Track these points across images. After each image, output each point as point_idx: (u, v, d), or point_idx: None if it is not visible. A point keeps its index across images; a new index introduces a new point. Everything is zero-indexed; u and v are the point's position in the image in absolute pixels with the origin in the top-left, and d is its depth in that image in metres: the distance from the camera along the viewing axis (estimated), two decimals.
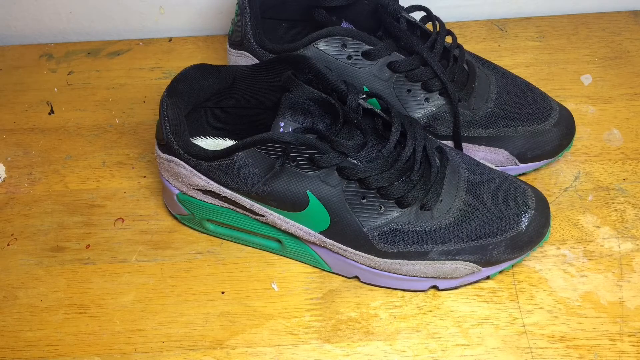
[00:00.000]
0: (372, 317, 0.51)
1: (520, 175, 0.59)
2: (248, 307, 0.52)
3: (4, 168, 0.62)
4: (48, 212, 0.59)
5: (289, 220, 0.51)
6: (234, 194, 0.50)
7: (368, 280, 0.52)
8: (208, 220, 0.54)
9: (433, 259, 0.49)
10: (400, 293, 0.52)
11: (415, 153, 0.49)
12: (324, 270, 0.53)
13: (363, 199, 0.48)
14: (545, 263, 0.53)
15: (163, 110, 0.49)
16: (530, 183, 0.58)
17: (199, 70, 0.51)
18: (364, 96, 0.50)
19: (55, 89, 0.69)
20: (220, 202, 0.52)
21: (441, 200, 0.49)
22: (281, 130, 0.48)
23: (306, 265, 0.54)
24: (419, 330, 0.50)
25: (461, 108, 0.56)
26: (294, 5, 0.61)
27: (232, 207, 0.52)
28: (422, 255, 0.49)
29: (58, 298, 0.53)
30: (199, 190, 0.52)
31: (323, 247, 0.51)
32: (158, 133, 0.51)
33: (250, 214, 0.52)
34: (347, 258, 0.51)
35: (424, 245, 0.49)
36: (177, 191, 0.54)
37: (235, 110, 0.55)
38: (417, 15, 0.58)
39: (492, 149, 0.57)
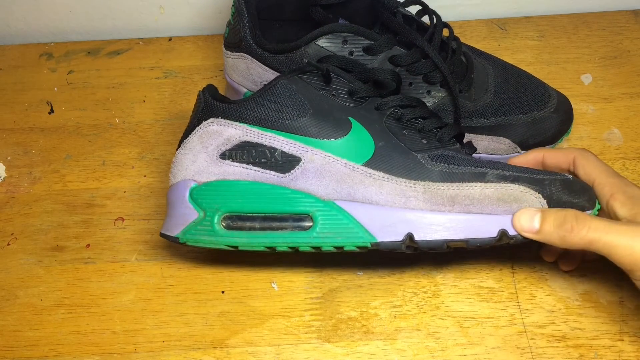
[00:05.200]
0: (372, 317, 0.51)
1: None
2: (248, 307, 0.52)
3: (4, 167, 0.62)
4: (48, 211, 0.59)
5: (329, 154, 0.47)
6: (272, 133, 0.48)
7: (424, 234, 0.45)
8: (223, 219, 0.48)
9: (492, 182, 0.45)
10: (400, 292, 0.52)
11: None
12: (365, 247, 0.46)
13: (405, 133, 0.48)
14: (545, 262, 0.53)
15: (202, 93, 0.50)
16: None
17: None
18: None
19: (55, 89, 0.69)
20: (248, 168, 0.48)
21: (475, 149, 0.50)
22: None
23: (306, 265, 0.54)
24: (419, 330, 0.50)
25: (462, 99, 0.56)
26: (289, 5, 0.61)
27: (261, 172, 0.48)
28: (479, 177, 0.46)
29: (58, 297, 0.53)
30: (226, 155, 0.48)
31: (364, 203, 0.46)
32: (187, 129, 0.50)
33: (282, 174, 0.47)
34: (396, 206, 0.46)
35: (478, 168, 0.46)
36: (191, 184, 0.49)
37: None
38: (413, 10, 0.58)
39: (494, 137, 0.57)
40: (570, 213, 0.44)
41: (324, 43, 0.55)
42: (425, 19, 0.58)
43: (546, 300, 0.51)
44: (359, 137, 0.47)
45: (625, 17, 0.72)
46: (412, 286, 0.52)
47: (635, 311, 0.50)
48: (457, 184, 0.45)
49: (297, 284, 0.53)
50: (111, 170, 0.61)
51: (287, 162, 0.48)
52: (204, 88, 0.51)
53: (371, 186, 0.46)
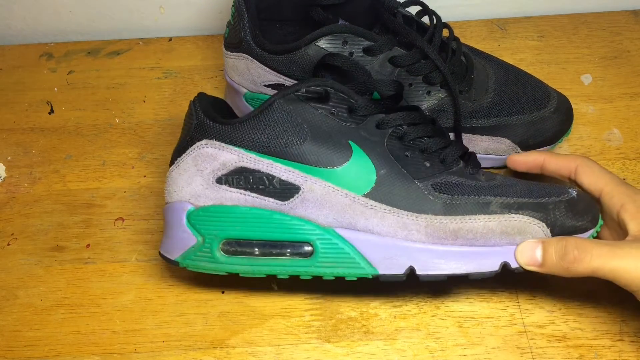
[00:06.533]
0: (372, 317, 0.51)
1: None
2: (248, 307, 0.52)
3: (4, 168, 0.62)
4: (48, 211, 0.59)
5: (329, 184, 0.45)
6: (269, 160, 0.46)
7: (426, 268, 0.45)
8: (222, 245, 0.48)
9: (495, 212, 0.45)
10: (400, 292, 0.52)
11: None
12: (367, 278, 0.46)
13: (407, 156, 0.46)
14: None
15: (193, 105, 0.48)
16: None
17: (224, 104, 0.53)
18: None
19: (55, 89, 0.69)
20: (246, 194, 0.46)
21: (483, 174, 0.48)
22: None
23: None
24: (419, 330, 0.50)
25: (462, 99, 0.56)
26: (289, 6, 0.61)
27: (259, 198, 0.46)
28: (483, 207, 0.45)
29: (58, 298, 0.53)
30: (222, 180, 0.47)
31: (366, 233, 0.46)
32: (179, 145, 0.49)
33: (281, 201, 0.46)
34: (397, 238, 0.45)
35: (482, 197, 0.45)
36: (188, 207, 0.48)
37: None
38: (413, 10, 0.58)
39: (494, 138, 0.57)
40: (571, 243, 0.44)
41: (324, 44, 0.55)
42: (425, 19, 0.58)
43: (546, 300, 0.51)
44: (360, 164, 0.45)
45: (625, 17, 0.72)
46: (412, 286, 0.52)
47: (635, 311, 0.50)
48: (460, 217, 0.45)
49: (297, 284, 0.53)
50: (111, 170, 0.61)
51: (286, 190, 0.46)
52: (195, 98, 0.49)
53: (373, 218, 0.46)
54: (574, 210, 0.46)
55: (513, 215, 0.45)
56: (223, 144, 0.46)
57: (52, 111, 0.67)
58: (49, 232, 0.57)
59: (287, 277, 0.47)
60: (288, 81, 0.58)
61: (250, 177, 0.46)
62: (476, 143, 0.58)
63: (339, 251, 0.46)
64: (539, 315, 0.51)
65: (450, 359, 0.49)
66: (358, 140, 0.46)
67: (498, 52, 0.67)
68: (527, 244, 0.45)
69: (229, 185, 0.47)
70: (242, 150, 0.46)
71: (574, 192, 0.47)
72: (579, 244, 0.44)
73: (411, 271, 0.45)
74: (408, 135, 0.47)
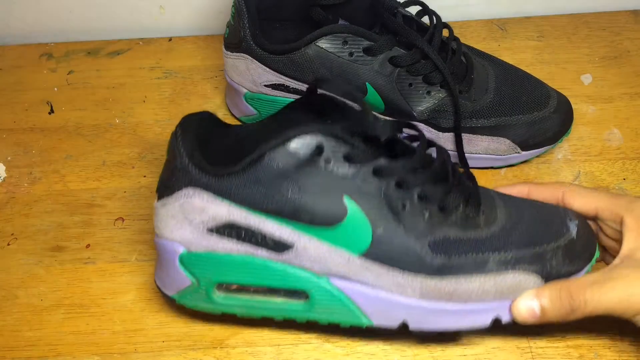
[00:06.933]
0: None
1: (522, 162, 0.60)
2: None
3: (4, 168, 0.62)
4: (48, 211, 0.59)
5: (323, 243, 0.44)
6: (260, 216, 0.44)
7: (419, 323, 0.45)
8: (217, 287, 0.47)
9: (492, 271, 0.44)
10: None
11: (445, 164, 0.45)
12: (362, 327, 0.46)
13: (405, 207, 0.44)
14: None
15: (175, 140, 0.44)
16: (530, 181, 0.58)
17: (211, 118, 0.47)
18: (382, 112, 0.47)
19: (55, 89, 0.69)
20: (239, 244, 0.45)
21: (483, 212, 0.46)
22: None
23: None
24: None
25: (462, 99, 0.56)
26: (289, 6, 0.61)
27: (252, 249, 0.45)
28: (480, 267, 0.44)
29: (58, 298, 0.53)
30: (214, 230, 0.44)
31: (361, 284, 0.45)
32: (163, 177, 0.46)
33: (274, 254, 0.45)
34: (392, 294, 0.45)
35: (480, 255, 0.44)
36: (180, 250, 0.46)
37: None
38: (413, 10, 0.58)
39: (494, 138, 0.57)
40: (565, 292, 0.44)
41: (324, 44, 0.55)
42: (425, 19, 0.58)
43: None
44: (356, 223, 0.43)
45: (625, 17, 0.72)
46: None
47: None
48: (455, 278, 0.44)
49: None
50: (111, 170, 0.61)
51: (279, 245, 0.44)
52: (177, 129, 0.45)
53: (368, 275, 0.45)
54: (571, 255, 0.46)
55: (509, 272, 0.44)
56: (211, 196, 0.44)
57: (52, 111, 0.67)
58: (49, 232, 0.57)
59: (282, 319, 0.47)
60: (288, 81, 0.58)
61: (242, 231, 0.44)
62: (476, 143, 0.58)
63: (334, 301, 0.45)
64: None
65: (450, 359, 0.49)
66: (354, 193, 0.43)
67: (498, 52, 0.67)
68: (523, 301, 0.45)
69: (221, 236, 0.45)
70: (232, 205, 0.43)
71: (573, 230, 0.46)
72: (572, 291, 0.44)
73: (404, 325, 0.46)
74: (408, 184, 0.44)
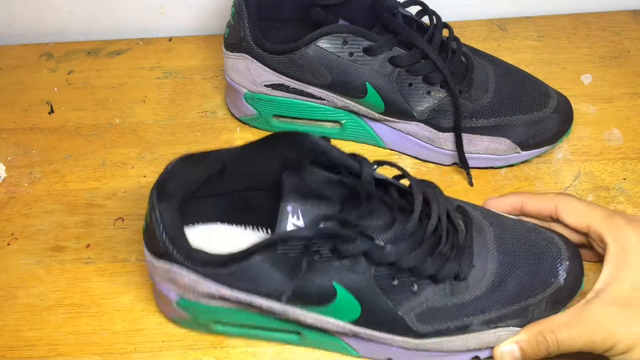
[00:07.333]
0: None
1: (522, 162, 0.59)
2: None
3: (4, 167, 0.62)
4: (48, 211, 0.59)
5: (314, 315, 0.45)
6: (251, 297, 0.44)
7: None
8: (215, 322, 0.49)
9: (475, 331, 0.46)
10: None
11: (441, 222, 0.45)
12: (350, 355, 0.49)
13: (394, 281, 0.44)
14: None
15: (156, 216, 0.43)
16: (530, 182, 0.59)
17: (185, 163, 0.45)
18: (375, 167, 0.45)
19: (55, 89, 0.69)
20: (231, 304, 0.46)
21: (474, 266, 0.46)
22: (289, 214, 0.43)
23: None
24: None
25: (462, 99, 0.56)
26: (289, 6, 0.61)
27: (245, 309, 0.46)
28: (463, 330, 0.46)
29: (58, 297, 0.53)
30: (207, 296, 0.45)
31: (352, 335, 0.47)
32: (150, 239, 0.45)
33: (268, 314, 0.46)
34: (380, 342, 0.47)
35: (464, 319, 0.45)
36: (176, 297, 0.47)
37: (227, 195, 0.49)
38: (413, 10, 0.58)
39: (494, 138, 0.57)
40: (540, 335, 0.45)
41: (324, 44, 0.55)
42: (425, 19, 0.58)
43: None
44: (345, 303, 0.44)
45: (625, 17, 0.72)
46: None
47: None
48: (439, 339, 0.46)
49: None
50: (111, 170, 0.61)
51: (271, 312, 0.45)
52: (153, 192, 0.44)
53: (360, 332, 0.46)
54: (555, 303, 0.47)
55: (491, 330, 0.46)
56: (199, 279, 0.44)
57: (52, 111, 0.67)
58: (49, 232, 0.57)
59: (277, 342, 0.50)
60: (288, 81, 0.58)
61: (232, 301, 0.45)
62: (476, 143, 0.58)
63: (327, 339, 0.48)
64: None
65: None
66: (342, 279, 0.43)
67: (498, 52, 0.67)
68: (504, 346, 0.46)
69: (212, 299, 0.46)
70: (220, 286, 0.44)
71: (562, 276, 0.47)
72: (546, 335, 0.45)
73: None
74: (400, 266, 0.44)
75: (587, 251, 0.50)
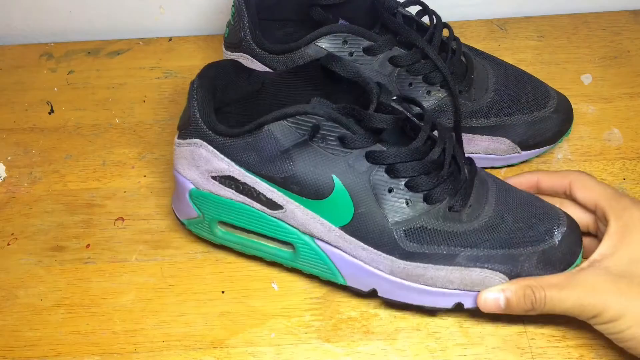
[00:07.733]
0: (372, 317, 0.51)
1: (522, 162, 0.59)
2: (248, 307, 0.52)
3: (4, 167, 0.62)
4: (48, 211, 0.59)
5: (309, 211, 0.48)
6: (255, 178, 0.48)
7: (387, 293, 0.49)
8: (219, 222, 0.52)
9: (460, 264, 0.47)
10: None
11: (445, 153, 0.47)
12: (338, 283, 0.51)
13: (390, 192, 0.46)
14: None
15: (192, 90, 0.48)
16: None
17: (232, 66, 0.51)
18: (395, 97, 0.48)
19: (56, 89, 0.69)
20: (237, 195, 0.49)
21: (470, 206, 0.47)
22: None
23: None
24: (419, 330, 0.50)
25: (462, 99, 0.56)
26: (289, 5, 0.61)
27: (249, 200, 0.49)
28: (449, 259, 0.47)
29: (58, 297, 0.53)
30: (217, 179, 0.49)
31: (340, 250, 0.49)
32: (182, 119, 0.50)
33: (267, 209, 0.49)
34: (366, 265, 0.48)
35: (452, 248, 0.47)
36: (190, 186, 0.51)
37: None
38: (413, 10, 0.58)
39: (494, 138, 0.57)
40: (529, 289, 0.45)
41: (324, 44, 0.55)
42: (425, 19, 0.58)
43: None
44: (340, 200, 0.46)
45: (625, 17, 0.72)
46: None
47: None
48: (424, 265, 0.47)
49: (297, 284, 0.53)
50: (111, 170, 0.61)
51: (271, 204, 0.49)
52: (195, 80, 0.48)
53: (345, 246, 0.48)
54: (547, 261, 0.47)
55: (476, 269, 0.47)
56: (215, 152, 0.48)
57: (52, 111, 0.67)
58: (49, 232, 0.57)
59: (272, 260, 0.52)
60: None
61: (240, 185, 0.49)
62: (476, 143, 0.58)
63: (316, 258, 0.50)
64: (539, 315, 0.50)
65: (450, 359, 0.49)
66: (342, 172, 0.46)
67: (498, 52, 0.67)
68: (490, 293, 0.47)
69: (222, 184, 0.50)
70: (232, 163, 0.48)
71: (557, 237, 0.47)
72: (534, 288, 0.45)
73: (374, 291, 0.49)
74: (397, 172, 0.46)
75: (590, 240, 0.51)
